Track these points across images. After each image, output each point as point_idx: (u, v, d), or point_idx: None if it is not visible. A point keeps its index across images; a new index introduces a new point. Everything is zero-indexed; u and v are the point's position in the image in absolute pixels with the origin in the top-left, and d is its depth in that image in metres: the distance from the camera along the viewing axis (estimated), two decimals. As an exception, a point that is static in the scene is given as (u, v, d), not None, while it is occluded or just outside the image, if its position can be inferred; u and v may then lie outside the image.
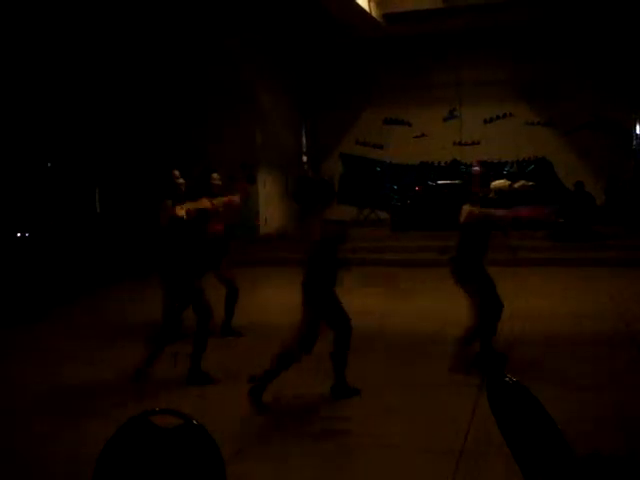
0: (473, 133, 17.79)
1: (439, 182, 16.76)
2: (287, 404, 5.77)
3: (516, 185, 15.73)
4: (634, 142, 16.63)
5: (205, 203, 6.99)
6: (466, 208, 6.66)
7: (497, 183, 14.89)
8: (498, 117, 17.72)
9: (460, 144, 17.94)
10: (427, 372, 6.56)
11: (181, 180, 6.78)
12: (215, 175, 7.85)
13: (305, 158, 18.85)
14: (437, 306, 9.63)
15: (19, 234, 12.31)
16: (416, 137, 18.15)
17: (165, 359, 6.44)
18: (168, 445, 2.37)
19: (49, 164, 13.47)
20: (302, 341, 5.53)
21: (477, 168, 7.36)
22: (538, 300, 9.83)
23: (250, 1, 14.35)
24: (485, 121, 17.78)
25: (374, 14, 14.89)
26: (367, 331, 8.05)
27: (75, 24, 12.84)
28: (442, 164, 18.10)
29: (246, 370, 6.10)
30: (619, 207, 15.56)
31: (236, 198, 7.77)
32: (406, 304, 9.93)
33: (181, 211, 6.47)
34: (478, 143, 17.76)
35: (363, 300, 9.33)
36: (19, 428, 5.45)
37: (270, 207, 16.60)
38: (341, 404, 5.73)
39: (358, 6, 13.90)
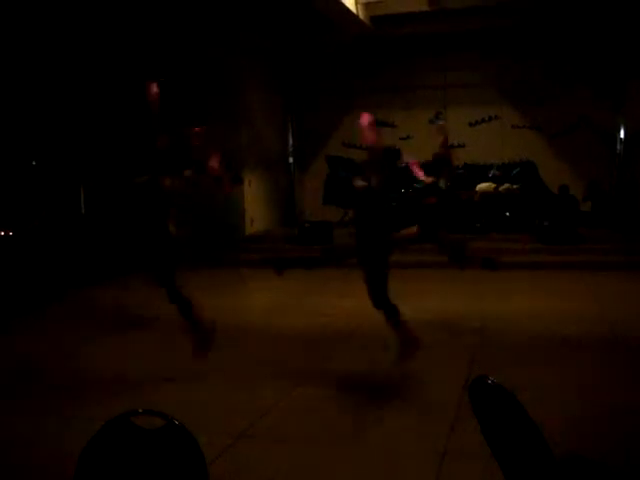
0: (458, 135, 17.81)
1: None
2: (268, 405, 5.77)
3: (501, 188, 15.85)
4: (618, 146, 16.73)
5: None
6: None
7: (482, 186, 15.04)
8: (484, 120, 17.78)
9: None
10: (413, 370, 6.58)
11: None
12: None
13: (291, 159, 18.83)
14: (429, 305, 9.67)
15: (2, 233, 12.22)
16: (402, 139, 18.16)
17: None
18: (149, 446, 2.37)
19: (34, 162, 13.39)
20: None
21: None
22: (520, 302, 9.89)
23: (239, 1, 14.34)
24: (470, 124, 17.83)
25: (361, 16, 14.91)
26: (356, 332, 8.07)
27: (63, 20, 12.77)
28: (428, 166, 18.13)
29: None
30: (603, 210, 15.66)
31: None
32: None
33: None
34: (463, 145, 17.81)
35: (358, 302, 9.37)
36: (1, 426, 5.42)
37: (256, 207, 16.59)
38: (321, 402, 5.74)
39: (345, 8, 13.91)
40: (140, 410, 2.46)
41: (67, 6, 12.62)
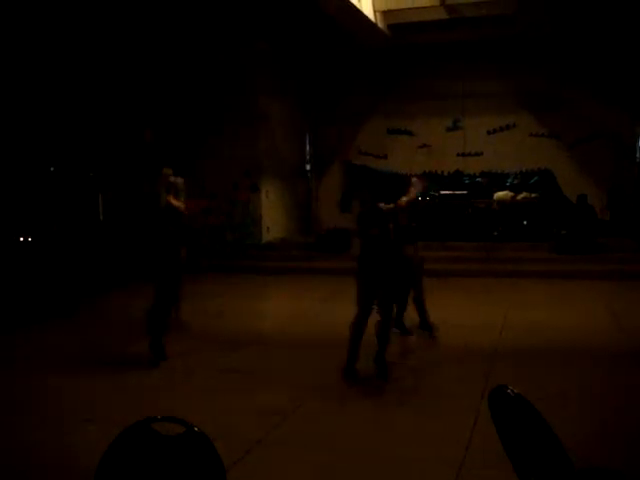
0: (476, 144, 17.78)
1: (442, 192, 16.76)
2: (286, 412, 5.77)
3: (519, 197, 15.79)
4: (638, 155, 16.62)
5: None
6: None
7: (500, 195, 14.96)
8: (502, 128, 17.69)
9: (463, 155, 17.93)
10: (430, 381, 6.57)
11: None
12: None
13: (308, 167, 18.86)
14: (446, 313, 9.63)
15: (22, 238, 12.32)
16: (420, 147, 18.14)
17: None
18: (169, 452, 2.37)
19: (52, 169, 13.50)
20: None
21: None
22: (536, 312, 9.83)
23: (256, 10, 14.40)
24: (488, 132, 17.76)
25: (380, 25, 14.93)
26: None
27: (80, 28, 12.89)
28: (445, 174, 18.08)
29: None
30: (623, 220, 15.55)
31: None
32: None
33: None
34: (481, 154, 17.75)
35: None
36: (20, 431, 5.45)
37: (273, 215, 16.62)
38: (338, 410, 5.74)
39: (364, 17, 13.94)
40: (159, 417, 2.47)
41: (91, 18, 12.77)
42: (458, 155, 17.94)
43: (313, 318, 9.80)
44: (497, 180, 17.26)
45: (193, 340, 8.48)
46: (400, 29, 15.53)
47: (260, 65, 16.01)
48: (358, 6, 13.46)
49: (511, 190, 16.12)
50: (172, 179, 7.76)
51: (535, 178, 17.35)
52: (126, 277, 13.04)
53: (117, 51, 13.85)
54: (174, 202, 7.60)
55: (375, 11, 14.62)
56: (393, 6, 14.72)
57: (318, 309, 10.53)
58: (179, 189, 7.86)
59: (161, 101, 15.14)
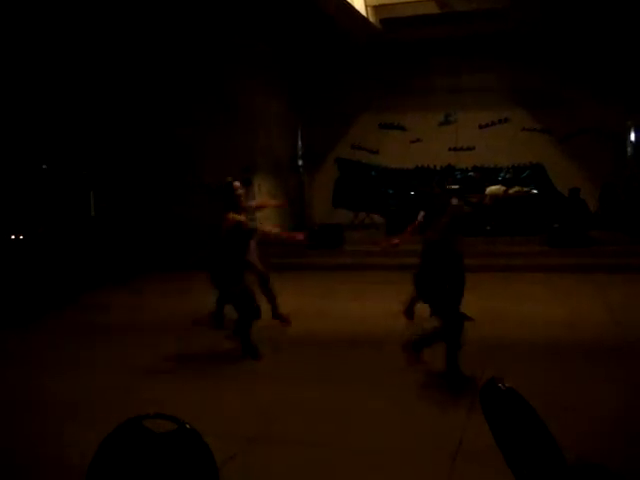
0: (469, 138, 17.80)
1: (435, 187, 16.75)
2: (281, 408, 5.78)
3: (511, 191, 15.83)
4: (628, 149, 16.66)
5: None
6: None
7: (492, 189, 15.04)
8: (494, 123, 17.73)
9: (455, 149, 17.95)
10: (424, 375, 6.58)
11: (241, 191, 7.34)
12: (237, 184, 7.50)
13: (300, 162, 18.83)
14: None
15: (13, 237, 12.26)
16: (412, 142, 18.14)
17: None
18: (161, 450, 2.37)
19: (44, 166, 13.44)
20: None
21: None
22: (530, 305, 9.84)
23: (248, 6, 14.37)
24: (481, 126, 17.79)
25: (371, 19, 14.92)
26: (369, 336, 8.09)
27: (76, 26, 12.83)
28: (437, 169, 18.09)
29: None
30: (614, 213, 15.59)
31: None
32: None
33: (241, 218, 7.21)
34: (473, 148, 17.77)
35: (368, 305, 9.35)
36: (20, 431, 5.44)
37: (264, 210, 16.55)
38: (333, 406, 5.74)
39: (356, 11, 13.92)
40: (152, 414, 2.47)
41: (83, 17, 12.73)
42: (450, 150, 17.96)
43: (310, 315, 9.79)
44: (489, 174, 17.27)
45: (191, 339, 8.48)
46: (392, 24, 15.52)
47: (259, 65, 15.98)
48: (350, 0, 13.45)
49: (503, 184, 16.13)
50: (239, 192, 7.32)
51: (527, 172, 17.38)
52: (125, 276, 13.09)
53: (113, 50, 13.79)
54: (238, 218, 7.22)
55: (367, 6, 14.61)
56: (385, 0, 14.71)
57: (314, 306, 10.52)
58: (241, 200, 7.38)
59: (160, 101, 15.07)
